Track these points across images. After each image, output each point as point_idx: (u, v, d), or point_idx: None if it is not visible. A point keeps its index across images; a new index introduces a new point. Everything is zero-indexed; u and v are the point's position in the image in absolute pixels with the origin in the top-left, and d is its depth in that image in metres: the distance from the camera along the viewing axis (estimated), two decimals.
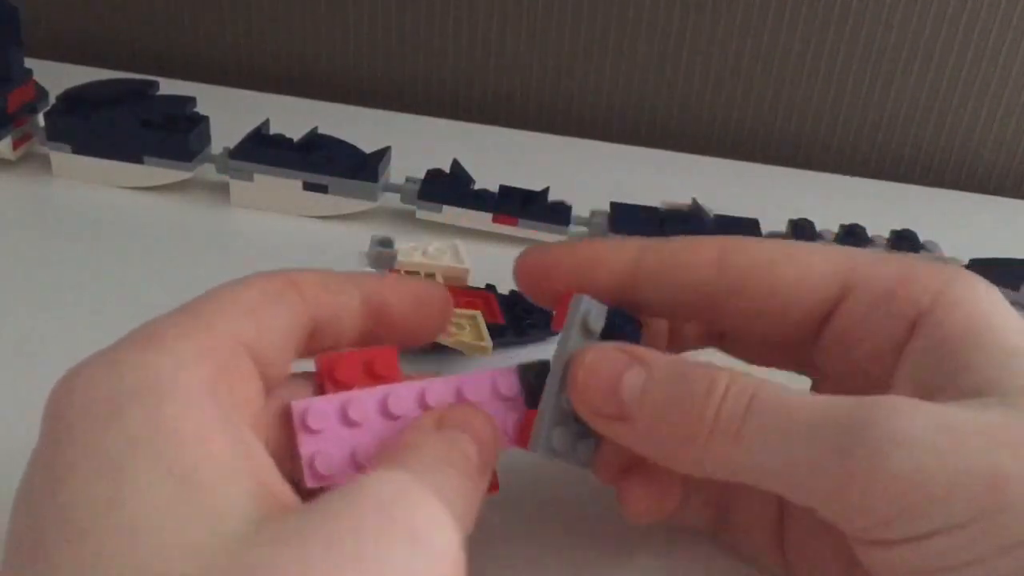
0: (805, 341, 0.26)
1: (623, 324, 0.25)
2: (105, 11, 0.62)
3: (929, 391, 0.22)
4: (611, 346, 0.24)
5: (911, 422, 0.20)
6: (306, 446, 0.22)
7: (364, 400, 0.23)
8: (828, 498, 0.21)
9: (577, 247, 0.26)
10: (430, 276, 0.37)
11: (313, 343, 0.24)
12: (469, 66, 0.60)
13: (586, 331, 0.25)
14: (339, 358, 0.24)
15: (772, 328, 0.25)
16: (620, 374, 0.23)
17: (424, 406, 0.24)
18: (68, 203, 0.45)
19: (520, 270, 0.26)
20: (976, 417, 0.21)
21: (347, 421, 0.23)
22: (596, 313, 0.25)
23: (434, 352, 0.35)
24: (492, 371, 0.25)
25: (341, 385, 0.23)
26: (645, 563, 0.28)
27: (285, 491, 0.19)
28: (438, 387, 0.24)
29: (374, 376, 0.24)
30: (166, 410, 0.18)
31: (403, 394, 0.23)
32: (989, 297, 0.24)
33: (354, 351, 0.24)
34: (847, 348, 0.25)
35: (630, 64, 0.58)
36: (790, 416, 0.21)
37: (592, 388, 0.24)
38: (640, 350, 0.24)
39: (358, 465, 0.22)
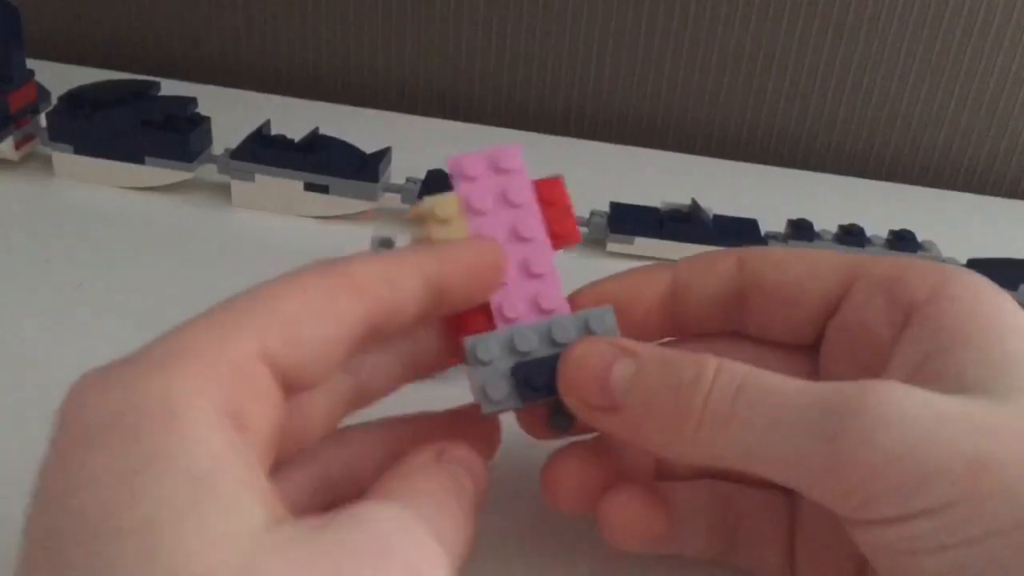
0: (813, 337, 0.26)
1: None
2: (107, 12, 0.62)
3: (921, 383, 0.22)
4: (600, 339, 0.25)
5: (899, 404, 0.21)
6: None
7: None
8: (817, 480, 0.21)
9: (609, 285, 0.27)
10: None
11: (374, 336, 0.23)
12: (469, 66, 0.60)
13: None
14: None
15: (787, 321, 0.26)
16: (609, 365, 0.23)
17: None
18: (70, 203, 0.45)
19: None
20: (963, 405, 0.21)
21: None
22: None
23: None
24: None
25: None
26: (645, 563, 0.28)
27: (287, 514, 0.19)
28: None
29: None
30: (180, 430, 0.18)
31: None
32: (988, 294, 0.24)
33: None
34: (848, 339, 0.25)
35: (630, 64, 0.58)
36: (779, 400, 0.22)
37: (581, 380, 0.24)
38: (627, 342, 0.24)
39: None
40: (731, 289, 0.26)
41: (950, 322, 0.23)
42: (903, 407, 0.21)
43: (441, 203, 0.25)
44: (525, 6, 0.57)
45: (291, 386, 0.21)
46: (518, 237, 0.26)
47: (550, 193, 0.26)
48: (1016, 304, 0.24)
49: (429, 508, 0.21)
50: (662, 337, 0.28)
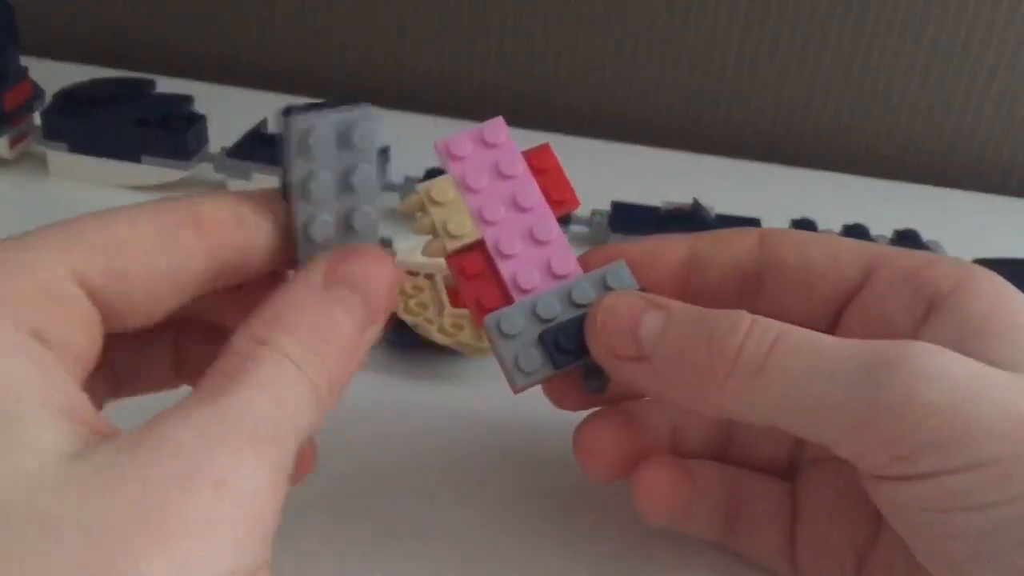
0: (828, 321, 0.26)
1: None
2: (102, 9, 0.62)
3: None
4: (631, 291, 0.25)
5: (942, 362, 0.21)
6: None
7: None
8: (851, 432, 0.21)
9: (623, 247, 0.27)
10: (430, 277, 0.37)
11: (221, 279, 0.22)
12: (468, 64, 0.60)
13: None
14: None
15: (804, 306, 0.26)
16: (639, 316, 0.24)
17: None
18: (65, 202, 0.44)
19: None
20: (1004, 374, 0.21)
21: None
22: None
23: (431, 352, 0.35)
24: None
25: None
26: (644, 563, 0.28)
27: (100, 422, 0.19)
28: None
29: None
30: None
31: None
32: (1010, 291, 0.24)
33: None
34: (867, 328, 0.25)
35: (630, 64, 0.58)
36: (817, 353, 0.22)
37: (610, 328, 0.24)
38: (657, 297, 0.24)
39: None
40: (749, 266, 0.26)
41: (976, 312, 0.23)
42: (946, 365, 0.21)
43: (436, 187, 0.25)
44: (526, 5, 0.57)
45: (121, 317, 0.20)
46: (519, 208, 0.26)
47: (541, 161, 0.26)
48: None
49: (262, 394, 0.19)
50: None
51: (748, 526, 0.27)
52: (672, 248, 0.27)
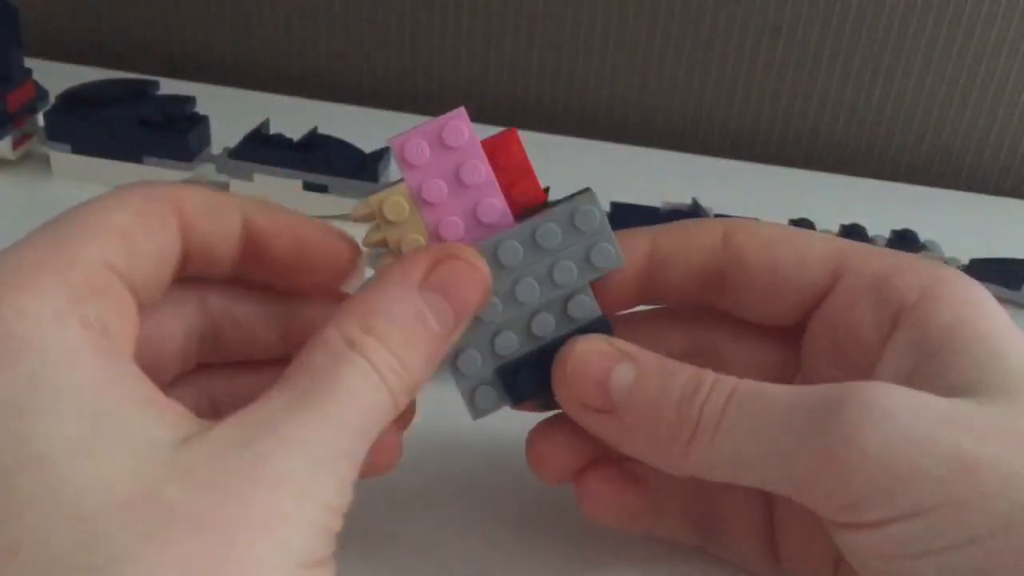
0: (796, 328, 0.26)
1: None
2: (105, 11, 0.62)
3: (913, 386, 0.22)
4: (599, 338, 0.24)
5: (885, 404, 0.20)
6: None
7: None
8: (804, 482, 0.21)
9: None
10: None
11: (186, 267, 0.23)
12: (469, 66, 0.60)
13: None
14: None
15: (768, 308, 0.26)
16: (610, 368, 0.23)
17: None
18: (68, 203, 0.44)
19: None
20: (952, 406, 0.21)
21: None
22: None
23: None
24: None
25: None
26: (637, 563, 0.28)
27: (173, 404, 0.19)
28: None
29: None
30: (50, 360, 0.18)
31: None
32: (977, 297, 0.24)
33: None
34: (834, 337, 0.25)
35: (630, 64, 0.58)
36: (766, 403, 0.22)
37: (580, 380, 0.24)
38: (627, 345, 0.24)
39: None
40: (713, 266, 0.26)
41: (938, 326, 0.23)
42: (887, 407, 0.20)
43: (389, 203, 0.23)
44: (525, 5, 0.57)
45: (137, 303, 0.21)
46: (480, 223, 0.24)
47: (504, 155, 0.24)
48: (999, 305, 0.24)
49: (351, 405, 0.20)
50: (638, 305, 0.27)
51: (726, 531, 0.27)
52: (633, 247, 0.26)
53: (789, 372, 0.27)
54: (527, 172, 0.24)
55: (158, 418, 0.18)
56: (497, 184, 0.24)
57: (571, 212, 0.24)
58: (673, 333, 0.27)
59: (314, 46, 0.61)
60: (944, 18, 0.54)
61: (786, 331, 0.26)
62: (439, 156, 0.23)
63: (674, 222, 0.27)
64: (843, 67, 0.56)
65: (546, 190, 0.25)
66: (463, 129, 0.24)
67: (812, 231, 0.27)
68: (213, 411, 0.25)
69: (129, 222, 0.21)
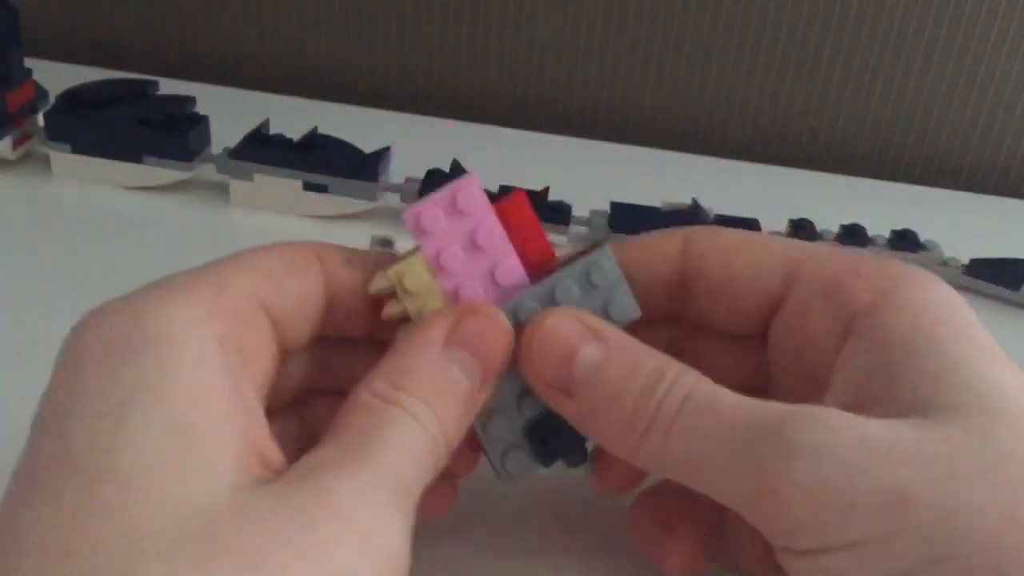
0: (758, 330, 0.25)
1: None
2: (105, 11, 0.62)
3: (865, 402, 0.21)
4: (570, 313, 0.24)
5: (822, 434, 0.20)
6: None
7: None
8: (746, 502, 0.21)
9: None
10: None
11: (328, 320, 0.24)
12: (469, 66, 0.60)
13: None
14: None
15: (729, 318, 0.25)
16: (576, 348, 0.23)
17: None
18: (68, 203, 0.45)
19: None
20: (893, 433, 0.20)
21: None
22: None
23: None
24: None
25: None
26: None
27: (274, 453, 0.20)
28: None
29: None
30: (175, 363, 0.19)
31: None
32: (939, 300, 0.23)
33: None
34: (793, 344, 0.25)
35: (630, 64, 0.58)
36: (716, 416, 0.21)
37: (545, 356, 0.23)
38: (598, 322, 0.23)
39: None
40: (673, 277, 0.25)
41: (891, 337, 0.22)
42: (824, 439, 0.20)
43: (409, 274, 0.24)
44: (525, 5, 0.57)
45: (281, 336, 0.22)
46: (497, 286, 0.24)
47: (515, 215, 0.24)
48: (965, 303, 0.23)
49: (397, 461, 0.20)
50: None
51: (731, 543, 0.26)
52: None
53: (764, 377, 0.26)
54: (537, 231, 0.25)
55: (240, 459, 0.19)
56: (511, 245, 0.24)
57: (587, 268, 0.24)
58: (657, 342, 0.27)
59: (314, 46, 0.61)
60: (944, 18, 0.54)
61: (755, 339, 0.26)
62: (454, 222, 0.24)
63: (637, 236, 0.26)
64: (843, 67, 0.56)
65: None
66: (475, 195, 0.24)
67: (773, 236, 0.26)
68: (310, 436, 0.25)
69: (275, 264, 0.23)
